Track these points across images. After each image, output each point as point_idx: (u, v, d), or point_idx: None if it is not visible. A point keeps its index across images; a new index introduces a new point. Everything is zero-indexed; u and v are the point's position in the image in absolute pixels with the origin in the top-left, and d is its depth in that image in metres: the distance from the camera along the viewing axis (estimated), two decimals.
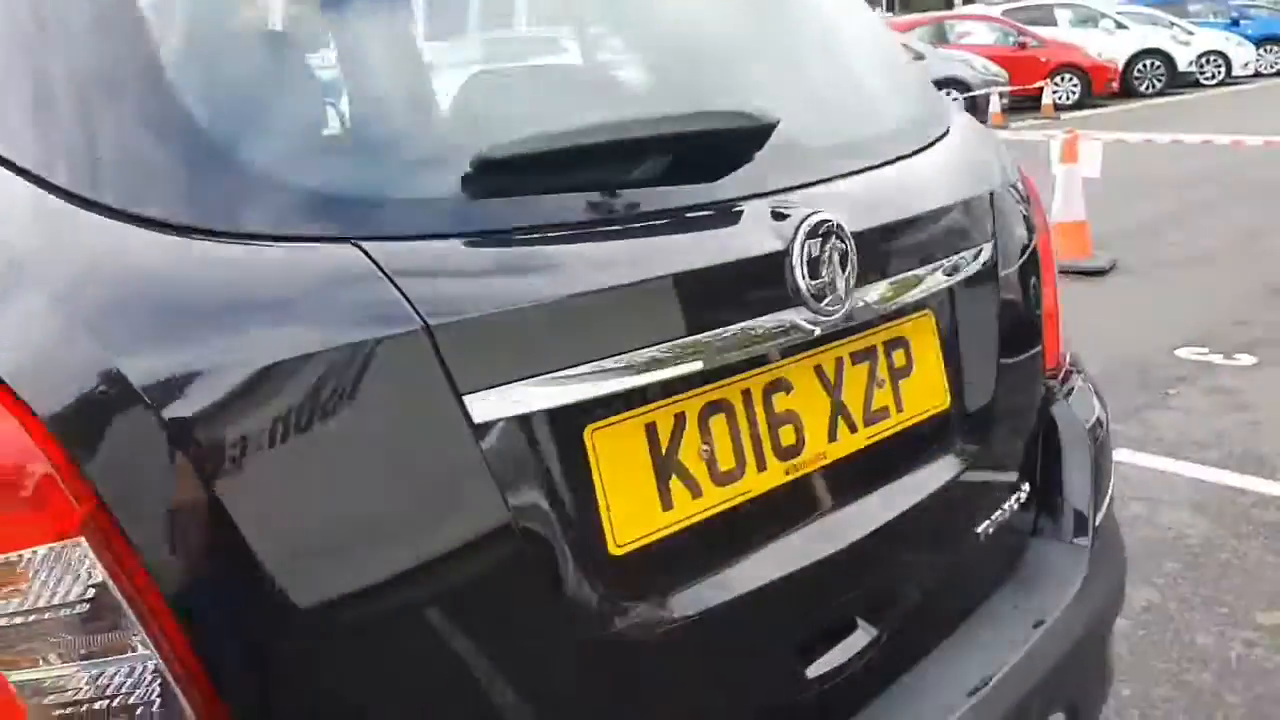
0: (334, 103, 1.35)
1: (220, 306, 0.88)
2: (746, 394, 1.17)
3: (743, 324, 1.12)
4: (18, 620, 0.80)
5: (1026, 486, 1.57)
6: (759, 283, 1.14)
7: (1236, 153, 10.17)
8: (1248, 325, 5.39)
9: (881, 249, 1.28)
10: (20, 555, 0.79)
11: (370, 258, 0.92)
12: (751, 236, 1.15)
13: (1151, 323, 5.51)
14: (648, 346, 1.06)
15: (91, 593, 0.80)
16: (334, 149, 1.16)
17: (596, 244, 1.08)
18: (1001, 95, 15.54)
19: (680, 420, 1.11)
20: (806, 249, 1.15)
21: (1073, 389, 1.71)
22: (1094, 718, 1.64)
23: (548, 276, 1.02)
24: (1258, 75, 22.02)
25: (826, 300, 1.17)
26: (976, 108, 15.46)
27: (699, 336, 1.09)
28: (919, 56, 16.02)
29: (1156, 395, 4.52)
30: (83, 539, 0.80)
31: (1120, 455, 3.93)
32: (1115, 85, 18.43)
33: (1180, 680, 2.61)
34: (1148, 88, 19.43)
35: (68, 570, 0.80)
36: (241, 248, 0.90)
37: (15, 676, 0.79)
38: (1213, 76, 20.66)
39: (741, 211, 1.17)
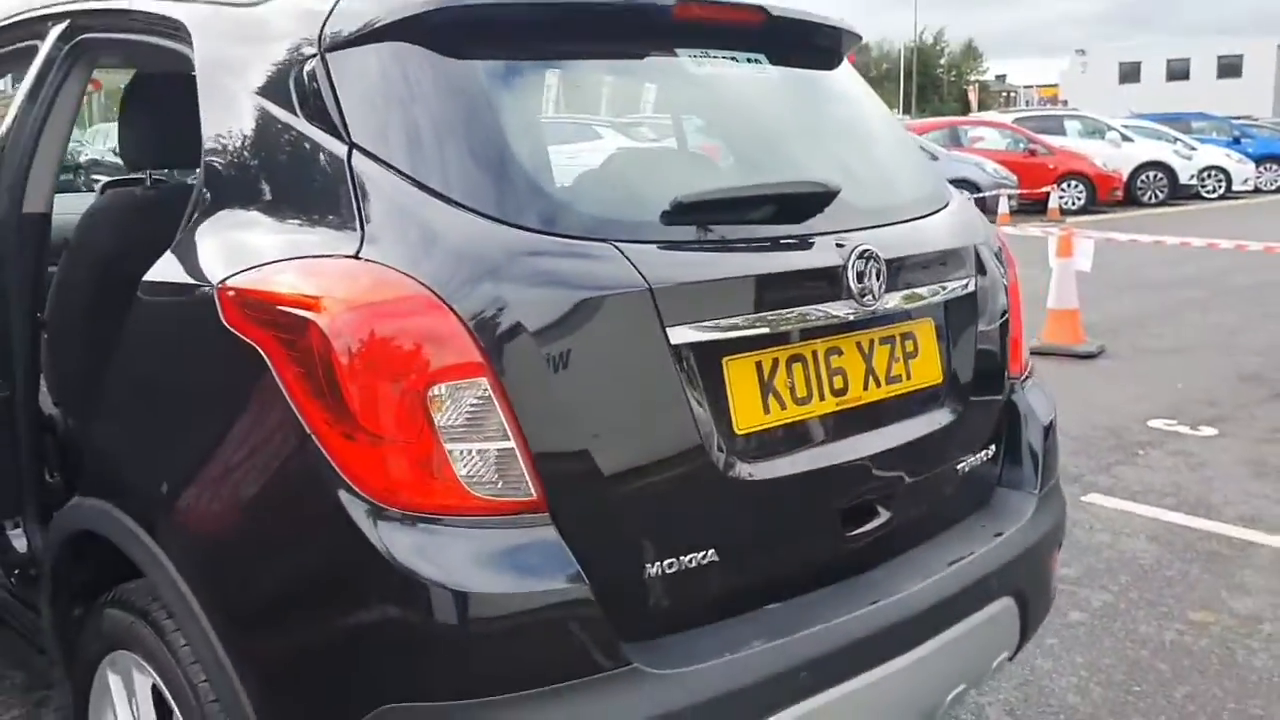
0: (602, 165, 2.10)
1: (548, 268, 1.62)
2: (815, 352, 1.90)
3: (814, 306, 1.86)
4: (457, 418, 1.53)
5: (993, 447, 2.29)
6: (826, 283, 1.88)
7: (1226, 257, 10.98)
8: (1215, 405, 6.12)
9: (901, 273, 2.02)
10: (459, 384, 1.53)
11: (620, 251, 1.67)
12: (823, 255, 1.89)
13: (1130, 398, 6.24)
14: (759, 314, 1.80)
15: (487, 405, 1.54)
16: (602, 191, 1.92)
17: (734, 253, 1.83)
18: (1010, 197, 16.47)
19: (775, 362, 1.85)
20: (855, 265, 1.90)
21: (1030, 387, 2.44)
22: (1038, 614, 2.32)
23: (709, 266, 1.77)
24: (1258, 191, 23.05)
25: (866, 298, 1.91)
26: (986, 208, 16.36)
27: (788, 311, 1.83)
28: (932, 157, 17.00)
29: (1127, 454, 5.23)
30: (484, 379, 1.54)
31: (1091, 498, 4.64)
32: (1119, 193, 19.41)
33: (1123, 654, 3.29)
34: (1151, 198, 20.41)
35: (477, 393, 1.53)
36: (558, 239, 1.65)
37: (449, 447, 1.53)
38: (1214, 190, 21.67)
39: (816, 241, 1.91)
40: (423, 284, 1.55)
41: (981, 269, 2.27)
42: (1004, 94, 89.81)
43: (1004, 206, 16.09)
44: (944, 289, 2.14)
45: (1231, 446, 5.35)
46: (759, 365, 1.82)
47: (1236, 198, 21.66)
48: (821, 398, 1.91)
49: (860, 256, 1.90)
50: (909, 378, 2.07)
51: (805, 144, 2.22)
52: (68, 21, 2.49)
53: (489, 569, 1.53)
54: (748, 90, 2.26)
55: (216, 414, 1.70)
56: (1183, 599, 3.66)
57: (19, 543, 2.58)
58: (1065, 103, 52.82)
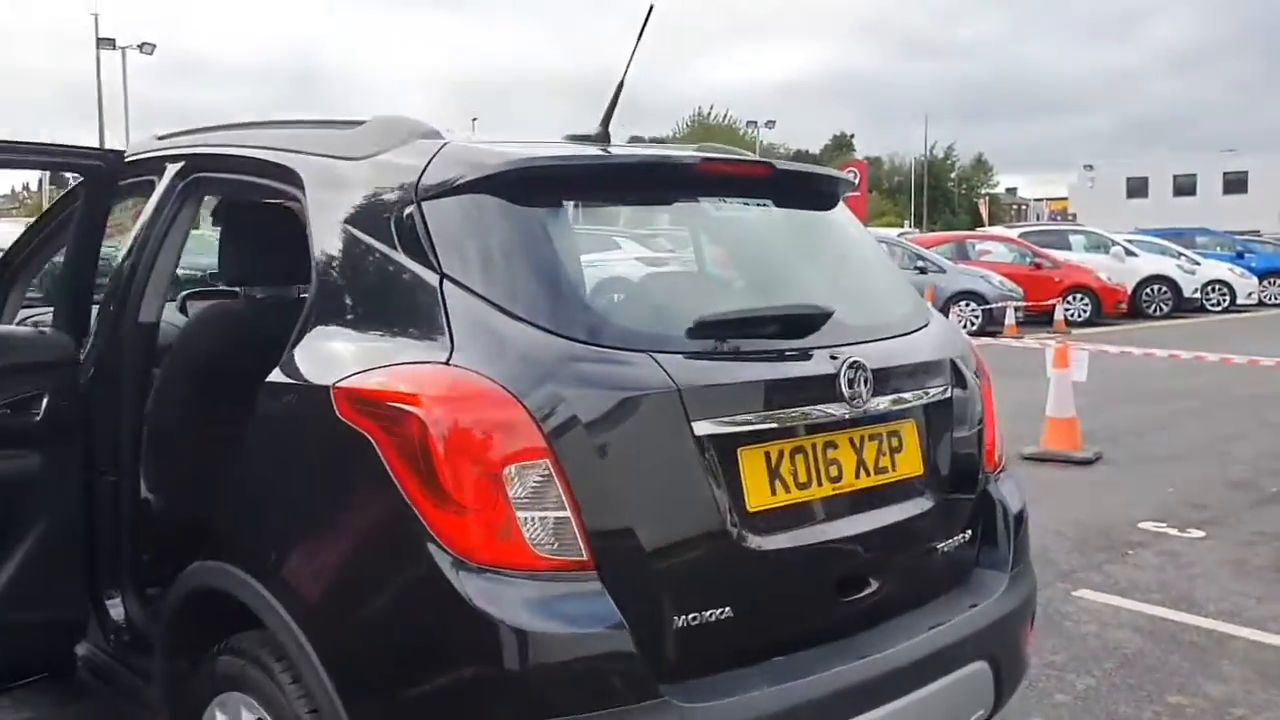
0: (638, 286, 2.54)
1: (596, 373, 2.04)
2: (814, 445, 2.30)
3: (813, 407, 2.26)
4: (524, 492, 1.92)
5: (969, 531, 2.66)
6: (823, 388, 2.29)
7: (1224, 370, 11.34)
8: (1203, 509, 6.44)
9: (887, 380, 2.42)
10: (526, 464, 1.93)
11: (655, 359, 2.09)
12: (819, 365, 2.30)
13: (1123, 502, 6.57)
14: (767, 411, 2.20)
15: (548, 482, 1.93)
16: (638, 310, 2.35)
17: (747, 361, 2.24)
18: (1016, 309, 16.96)
19: (781, 453, 2.24)
20: (846, 374, 2.30)
21: (1003, 480, 2.82)
22: (1010, 678, 2.66)
23: (726, 372, 2.18)
24: (1262, 304, 23.52)
25: (855, 401, 2.31)
26: (993, 319, 16.85)
27: (791, 410, 2.23)
28: (940, 270, 17.56)
29: (1118, 554, 5.55)
30: (546, 460, 1.94)
31: (1081, 593, 4.96)
32: (1124, 306, 19.90)
33: None
34: (1155, 310, 20.91)
35: (540, 472, 1.93)
36: (602, 349, 2.07)
37: (517, 514, 1.92)
38: (1218, 304, 22.18)
39: (814, 353, 2.33)
40: (498, 384, 1.97)
41: (959, 379, 2.67)
42: (1015, 207, 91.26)
43: (1010, 318, 16.57)
44: (925, 394, 2.54)
45: (1217, 548, 5.67)
46: (767, 454, 2.22)
47: (1241, 311, 22.13)
48: (820, 483, 2.30)
49: (850, 366, 2.31)
50: (894, 469, 2.46)
51: (806, 271, 2.65)
52: (184, 162, 2.97)
53: (545, 614, 1.91)
54: (759, 227, 2.70)
55: (330, 486, 2.11)
56: (1162, 684, 3.96)
57: (115, 611, 2.96)
58: (1074, 216, 53.82)
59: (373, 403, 2.03)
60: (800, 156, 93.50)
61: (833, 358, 2.32)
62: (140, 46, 34.58)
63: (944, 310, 16.58)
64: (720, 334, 2.22)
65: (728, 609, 2.10)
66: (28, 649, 2.87)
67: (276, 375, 2.27)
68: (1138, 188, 56.69)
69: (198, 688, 2.41)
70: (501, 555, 1.92)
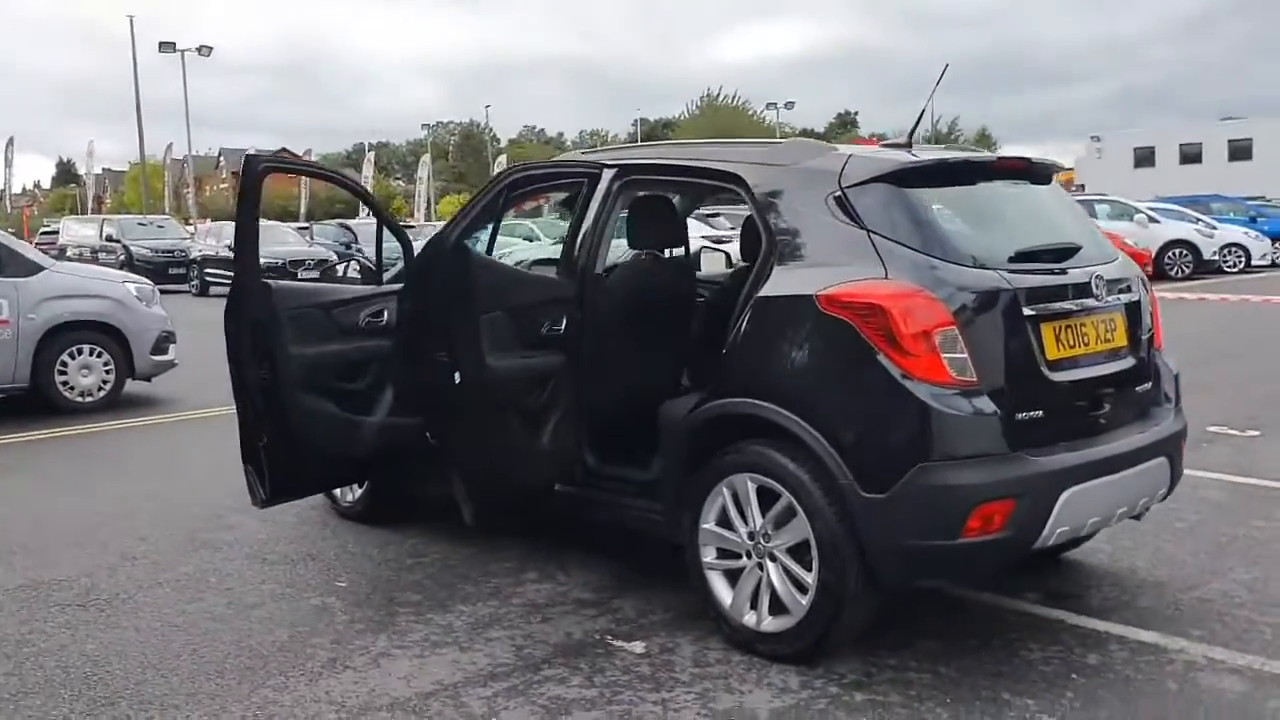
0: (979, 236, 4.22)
1: (973, 281, 3.68)
2: (1076, 323, 3.93)
3: (1080, 300, 3.91)
4: (944, 343, 3.55)
5: (1150, 383, 4.29)
6: (1082, 289, 3.93)
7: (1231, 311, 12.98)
8: (1257, 418, 8.10)
9: (1110, 287, 4.06)
10: (943, 329, 3.56)
11: (1000, 274, 3.73)
12: (1081, 277, 3.94)
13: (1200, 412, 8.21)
14: (1058, 303, 3.84)
15: (955, 338, 3.56)
16: (986, 246, 3.99)
17: (1044, 274, 3.88)
18: None
19: (1060, 326, 3.87)
20: (1095, 280, 3.95)
21: (1165, 354, 4.46)
22: (1177, 473, 4.28)
23: (1037, 280, 3.83)
24: (1275, 265, 25.12)
25: (1099, 297, 3.95)
26: None
27: (1067, 303, 3.88)
28: None
29: (1193, 446, 7.19)
30: (954, 327, 3.58)
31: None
32: (1149, 269, 21.48)
33: (1207, 541, 5.23)
34: (1177, 273, 22.53)
35: (950, 334, 3.56)
36: (972, 269, 3.71)
37: (942, 355, 3.55)
38: (1235, 265, 23.78)
39: (1072, 269, 3.96)
40: (921, 287, 3.60)
41: (1138, 288, 4.31)
42: None
43: None
44: (1127, 296, 4.18)
45: (1266, 442, 7.35)
46: (1055, 328, 3.85)
47: (1257, 271, 23.77)
48: (1079, 346, 3.94)
49: (1096, 277, 3.95)
50: (1113, 341, 4.10)
51: (1056, 221, 4.31)
52: (617, 169, 4.61)
53: (954, 406, 3.54)
54: (1022, 197, 4.36)
55: (818, 349, 3.74)
56: (1247, 515, 5.63)
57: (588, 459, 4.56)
58: (1082, 187, 55.16)
59: (849, 303, 3.65)
60: (806, 134, 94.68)
61: (1085, 271, 3.96)
62: (199, 49, 36.13)
63: None
64: (1029, 258, 3.87)
65: (1041, 412, 3.74)
66: (552, 470, 4.51)
67: (764, 292, 3.90)
68: (1145, 157, 57.91)
69: (703, 479, 4.03)
70: (932, 376, 3.55)
